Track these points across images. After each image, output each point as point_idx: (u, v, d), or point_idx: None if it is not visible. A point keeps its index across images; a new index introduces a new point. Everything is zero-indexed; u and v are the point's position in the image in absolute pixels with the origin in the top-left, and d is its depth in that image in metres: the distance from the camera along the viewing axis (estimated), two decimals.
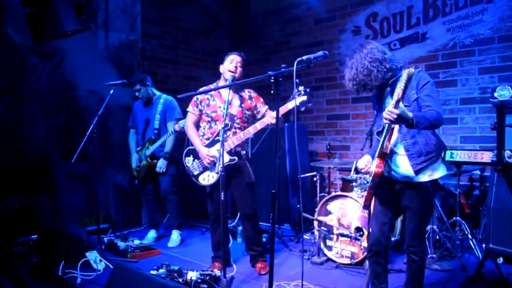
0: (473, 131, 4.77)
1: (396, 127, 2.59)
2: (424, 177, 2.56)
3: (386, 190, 2.74)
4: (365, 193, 2.92)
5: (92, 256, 3.73)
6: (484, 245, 3.80)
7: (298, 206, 4.81)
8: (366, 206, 2.84)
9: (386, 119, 2.31)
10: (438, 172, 2.60)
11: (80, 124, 4.98)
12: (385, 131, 2.51)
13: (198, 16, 6.61)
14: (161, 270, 3.31)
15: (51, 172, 4.80)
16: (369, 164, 2.71)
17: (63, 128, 4.93)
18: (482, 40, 4.76)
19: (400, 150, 2.63)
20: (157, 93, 4.84)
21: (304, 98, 3.26)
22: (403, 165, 2.62)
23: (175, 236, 4.74)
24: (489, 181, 4.01)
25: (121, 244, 4.15)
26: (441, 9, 5.01)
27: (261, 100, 3.81)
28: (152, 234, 4.81)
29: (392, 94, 2.62)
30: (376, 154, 2.60)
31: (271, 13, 6.83)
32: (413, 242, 2.64)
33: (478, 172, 4.39)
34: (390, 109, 2.27)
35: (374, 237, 2.78)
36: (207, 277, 3.21)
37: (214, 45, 6.76)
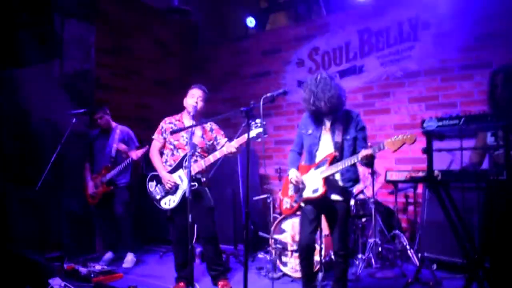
0: (406, 154, 5.35)
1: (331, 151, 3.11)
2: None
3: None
4: None
5: (56, 282, 3.77)
6: (420, 254, 4.30)
7: (252, 227, 5.13)
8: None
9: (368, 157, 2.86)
10: None
11: (34, 152, 5.00)
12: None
13: (149, 46, 6.85)
14: None
15: (5, 199, 4.77)
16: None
17: (18, 155, 4.92)
18: (411, 73, 5.41)
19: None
20: (113, 123, 5.05)
21: (260, 130, 3.37)
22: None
23: (129, 257, 4.93)
24: (422, 198, 4.56)
25: (83, 270, 4.20)
26: (375, 45, 5.63)
27: (222, 132, 4.04)
28: (108, 255, 4.98)
29: (333, 124, 3.14)
30: (323, 175, 3.06)
31: (219, 44, 7.22)
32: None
33: (412, 189, 4.93)
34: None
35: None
36: None
37: (165, 74, 6.99)
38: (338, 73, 5.93)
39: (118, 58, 6.32)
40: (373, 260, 4.26)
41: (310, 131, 3.26)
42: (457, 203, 3.96)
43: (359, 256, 4.33)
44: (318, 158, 3.18)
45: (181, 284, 3.89)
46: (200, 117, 3.96)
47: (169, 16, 6.51)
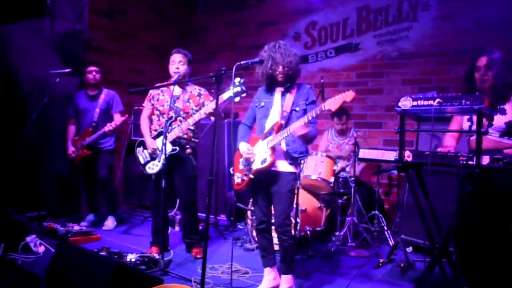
0: (394, 135, 5.29)
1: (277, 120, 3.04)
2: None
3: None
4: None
5: (32, 239, 3.82)
6: (397, 236, 4.30)
7: (234, 198, 5.13)
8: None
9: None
10: None
11: (21, 111, 4.97)
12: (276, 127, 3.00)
13: (146, 10, 6.72)
14: (101, 253, 3.48)
15: None
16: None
17: (3, 114, 4.89)
18: (406, 54, 5.31)
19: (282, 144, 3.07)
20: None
21: (238, 89, 3.36)
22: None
23: (110, 221, 4.97)
24: (404, 180, 4.54)
25: (61, 229, 4.24)
26: (373, 24, 5.52)
27: (211, 98, 3.97)
28: (90, 217, 5.03)
29: (284, 94, 3.09)
30: (269, 145, 2.98)
31: (217, 13, 7.09)
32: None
33: (395, 171, 4.91)
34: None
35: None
36: (146, 259, 3.43)
37: (160, 40, 6.86)
38: (334, 49, 5.84)
39: (112, 21, 6.20)
40: (349, 238, 4.27)
41: (262, 104, 3.19)
42: (439, 188, 3.98)
43: (336, 233, 4.34)
44: (267, 129, 3.10)
45: (154, 248, 3.93)
46: (185, 82, 3.93)
47: None
